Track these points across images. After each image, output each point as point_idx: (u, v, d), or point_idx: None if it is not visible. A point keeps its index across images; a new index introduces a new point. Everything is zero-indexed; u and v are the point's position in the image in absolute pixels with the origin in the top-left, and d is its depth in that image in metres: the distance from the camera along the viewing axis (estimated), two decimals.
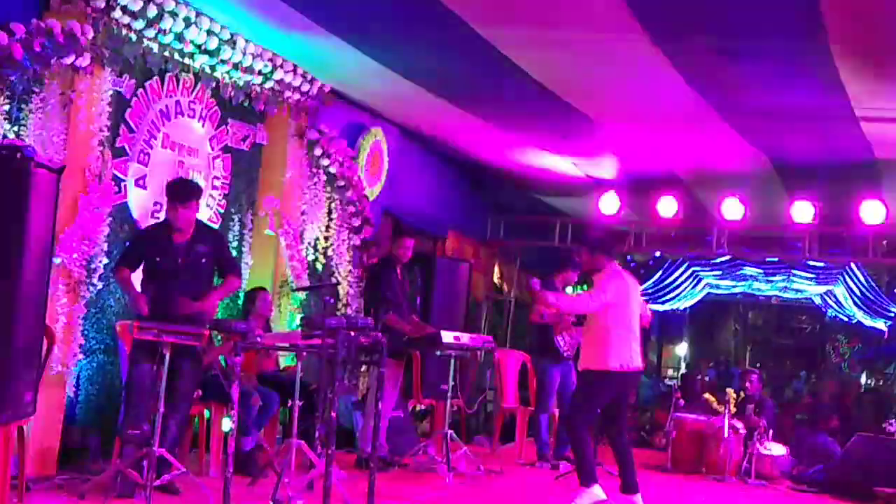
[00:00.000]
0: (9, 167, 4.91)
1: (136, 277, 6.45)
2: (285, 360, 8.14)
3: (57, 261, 6.12)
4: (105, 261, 6.72)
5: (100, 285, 6.71)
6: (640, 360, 7.13)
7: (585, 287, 8.72)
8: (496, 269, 13.74)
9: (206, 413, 7.11)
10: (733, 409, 9.56)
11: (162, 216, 6.92)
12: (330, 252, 9.31)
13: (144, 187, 7.33)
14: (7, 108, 6.03)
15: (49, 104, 6.30)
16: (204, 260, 6.40)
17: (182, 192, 6.37)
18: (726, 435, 9.37)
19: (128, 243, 6.78)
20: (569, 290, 9.86)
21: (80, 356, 6.62)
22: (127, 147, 7.13)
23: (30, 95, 6.18)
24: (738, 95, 8.44)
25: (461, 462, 8.10)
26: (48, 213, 5.22)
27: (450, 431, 8.01)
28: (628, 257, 15.67)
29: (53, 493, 5.87)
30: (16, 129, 6.10)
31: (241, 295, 7.98)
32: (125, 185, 7.12)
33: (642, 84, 8.36)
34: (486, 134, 10.52)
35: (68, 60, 6.27)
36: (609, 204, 11.97)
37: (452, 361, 8.15)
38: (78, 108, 6.46)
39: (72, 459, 6.56)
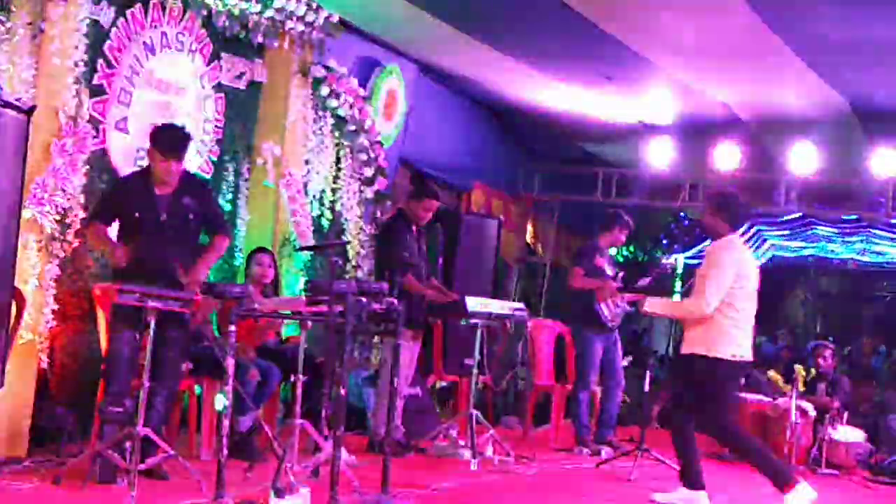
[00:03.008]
0: None
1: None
2: (287, 329, 8.17)
3: (27, 214, 6.13)
4: (81, 214, 6.73)
5: (75, 243, 6.72)
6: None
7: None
8: (529, 228, 13.72)
9: (198, 389, 7.15)
10: (802, 389, 9.53)
11: (144, 164, 6.93)
12: (338, 207, 9.31)
13: (126, 131, 7.33)
14: None
15: (17, 35, 6.28)
16: (191, 215, 6.37)
17: (171, 143, 6.27)
18: (794, 418, 9.34)
19: (103, 194, 6.79)
20: (612, 250, 9.83)
21: (54, 323, 6.66)
22: (106, 85, 7.12)
23: None
24: (812, 25, 8.33)
25: (488, 446, 8.12)
26: (16, 160, 5.23)
27: (475, 412, 8.02)
28: (682, 214, 15.61)
29: (24, 478, 5.91)
30: None
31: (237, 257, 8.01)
32: (104, 129, 7.12)
33: (698, 11, 8.27)
34: (518, 72, 10.47)
35: None
36: (660, 152, 11.91)
37: (479, 332, 8.15)
38: (49, 40, 6.44)
39: (45, 440, 6.62)
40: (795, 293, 21.86)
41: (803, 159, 11.29)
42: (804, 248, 17.05)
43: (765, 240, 16.71)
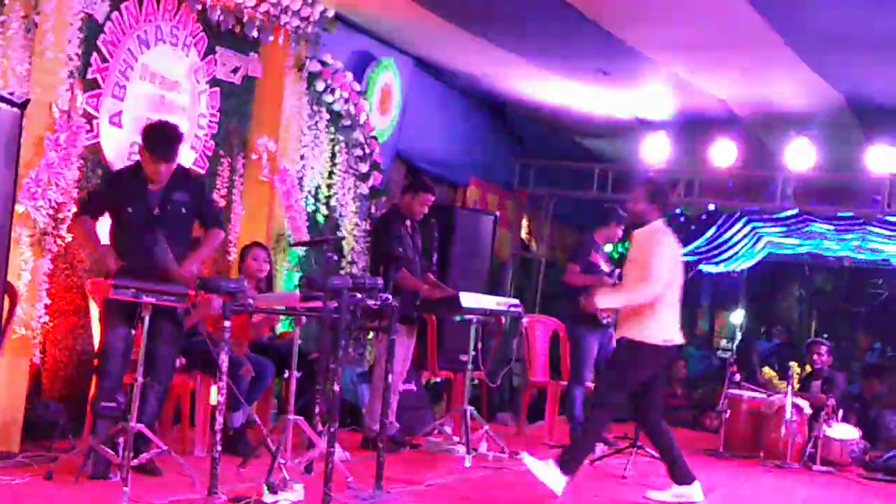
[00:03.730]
0: None
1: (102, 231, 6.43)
2: (282, 325, 8.17)
3: (20, 209, 6.12)
4: (74, 209, 6.72)
5: (69, 237, 6.71)
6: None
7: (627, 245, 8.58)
8: (524, 223, 13.71)
9: (192, 384, 7.15)
10: (797, 386, 9.56)
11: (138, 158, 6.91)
12: (333, 202, 9.31)
13: (120, 125, 7.32)
14: None
15: (10, 29, 6.26)
16: (183, 210, 6.34)
17: (162, 144, 6.21)
18: (788, 415, 9.36)
19: (93, 188, 6.76)
20: (609, 247, 9.83)
21: (47, 318, 6.65)
22: (100, 79, 7.11)
23: None
24: (810, 21, 8.33)
25: (482, 443, 8.13)
26: (10, 154, 5.21)
27: (469, 408, 8.04)
28: (678, 210, 15.59)
29: (16, 473, 5.90)
30: None
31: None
32: (98, 123, 7.11)
33: (696, 6, 8.26)
34: (514, 67, 10.46)
35: None
36: (657, 148, 11.90)
37: (473, 328, 8.17)
38: (43, 34, 6.42)
39: (37, 435, 6.61)
40: (790, 290, 21.85)
41: (800, 156, 11.28)
42: (800, 244, 17.01)
43: (760, 237, 16.68)
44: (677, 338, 7.04)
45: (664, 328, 6.92)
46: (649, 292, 6.86)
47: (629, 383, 6.99)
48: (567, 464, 6.79)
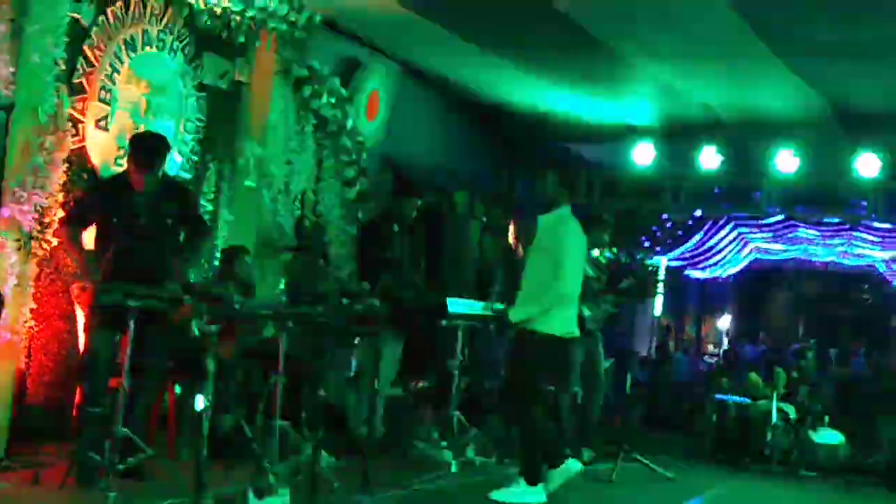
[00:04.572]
0: None
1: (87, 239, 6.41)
2: (267, 329, 8.16)
3: (6, 213, 6.13)
4: (60, 213, 6.70)
5: (54, 242, 6.69)
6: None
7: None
8: (511, 228, 13.72)
9: (177, 389, 7.13)
10: (783, 391, 9.57)
11: (124, 165, 6.90)
12: (320, 207, 9.30)
13: (106, 130, 7.31)
14: None
15: None
16: (170, 220, 6.34)
17: (146, 154, 6.21)
18: (774, 420, 9.38)
19: (78, 196, 6.75)
20: (595, 252, 9.84)
21: (33, 322, 6.63)
22: (86, 83, 7.10)
23: None
24: (795, 29, 8.36)
25: (469, 448, 8.12)
26: None
27: (457, 413, 8.03)
28: (664, 216, 15.64)
29: (2, 477, 5.89)
30: None
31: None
32: (84, 128, 7.10)
33: (681, 13, 8.29)
34: (502, 72, 10.48)
35: None
36: (643, 154, 11.93)
37: (461, 333, 8.16)
38: (30, 38, 6.41)
39: (23, 439, 6.58)
40: (776, 296, 21.94)
41: (785, 162, 11.33)
42: (786, 250, 17.10)
43: (747, 242, 16.76)
44: (575, 331, 6.95)
45: (565, 321, 6.82)
46: (562, 292, 6.76)
47: (534, 375, 6.84)
48: (530, 473, 6.76)
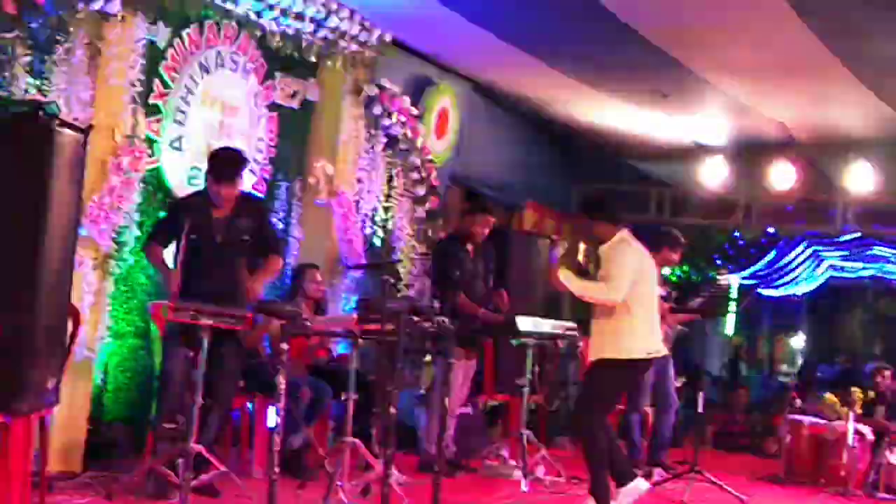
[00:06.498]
0: (30, 127, 4.99)
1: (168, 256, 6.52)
2: (339, 348, 8.22)
3: (83, 232, 6.21)
4: (136, 233, 6.83)
5: (130, 260, 6.82)
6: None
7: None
8: (581, 246, 13.68)
9: (250, 406, 7.21)
10: (859, 411, 9.41)
11: (200, 184, 7.01)
12: (390, 225, 9.36)
13: (181, 150, 7.43)
14: (28, 59, 6.13)
15: (75, 55, 6.39)
16: (245, 237, 6.45)
17: (226, 169, 6.35)
18: (851, 441, 9.23)
19: (160, 216, 6.88)
20: (666, 270, 9.80)
21: (109, 340, 6.75)
22: (161, 104, 7.21)
23: (53, 46, 6.28)
24: (869, 45, 8.28)
25: (539, 467, 8.11)
26: (74, 179, 5.28)
27: (527, 432, 8.02)
28: (736, 234, 15.50)
29: (78, 493, 5.99)
30: (38, 83, 6.20)
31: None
32: (159, 148, 7.21)
33: (756, 31, 8.24)
34: (571, 90, 10.47)
35: (96, 5, 6.36)
36: (714, 171, 11.84)
37: (530, 352, 8.16)
38: (107, 60, 6.55)
39: (99, 455, 6.69)
40: (853, 315, 21.60)
41: (860, 179, 11.17)
42: (862, 268, 16.84)
43: (822, 260, 16.54)
44: (661, 349, 6.96)
45: (644, 340, 6.79)
46: (603, 294, 6.73)
47: (608, 403, 6.93)
48: (598, 492, 6.71)
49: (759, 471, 9.91)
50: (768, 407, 14.19)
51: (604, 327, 6.79)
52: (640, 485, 6.77)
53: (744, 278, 15.89)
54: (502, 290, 8.41)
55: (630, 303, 6.68)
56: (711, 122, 11.25)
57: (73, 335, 5.79)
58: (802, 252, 16.12)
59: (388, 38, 8.90)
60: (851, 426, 9.24)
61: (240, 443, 7.29)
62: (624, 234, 6.92)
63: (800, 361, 20.57)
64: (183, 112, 7.43)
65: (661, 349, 6.99)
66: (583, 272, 13.63)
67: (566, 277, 6.96)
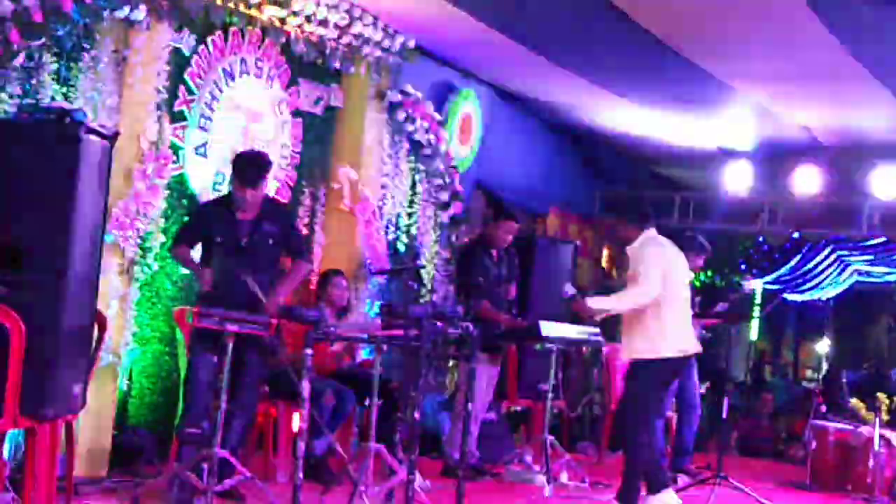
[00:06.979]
0: (57, 133, 5.04)
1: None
2: (363, 353, 8.24)
3: (109, 238, 6.26)
4: (161, 239, 6.87)
5: (155, 266, 6.87)
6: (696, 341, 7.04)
7: None
8: (605, 252, 13.67)
9: (274, 411, 7.24)
10: (886, 417, 9.36)
11: (225, 189, 7.04)
12: (414, 230, 9.38)
13: (205, 156, 7.47)
14: (55, 66, 6.18)
15: (101, 63, 6.45)
16: (271, 240, 6.46)
17: (250, 172, 6.36)
18: (877, 447, 9.18)
19: (185, 219, 6.92)
20: (690, 276, 9.76)
21: (134, 345, 6.80)
22: (186, 111, 7.27)
23: (79, 53, 6.34)
24: (893, 50, 8.24)
25: (563, 472, 8.11)
26: (100, 185, 5.33)
27: (550, 437, 8.02)
28: (760, 238, 15.44)
29: (104, 497, 6.04)
30: (64, 90, 6.26)
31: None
32: (184, 154, 7.26)
33: (779, 37, 8.22)
34: (594, 95, 10.46)
35: (122, 13, 6.41)
36: (738, 176, 11.80)
37: (554, 357, 8.16)
38: (133, 68, 6.60)
39: (124, 460, 6.74)
40: (880, 319, 21.46)
41: (886, 183, 11.12)
42: (889, 272, 16.73)
43: (847, 265, 16.44)
44: (692, 346, 6.95)
45: (675, 338, 6.81)
46: (634, 298, 6.78)
47: (651, 403, 6.90)
48: (626, 497, 6.73)
49: (784, 477, 9.88)
50: (793, 412, 14.14)
51: (635, 327, 6.82)
52: (670, 500, 6.76)
53: (768, 283, 15.82)
54: (509, 285, 8.39)
55: (660, 300, 6.70)
56: (736, 127, 11.22)
57: (99, 341, 5.83)
58: (827, 257, 16.02)
59: (411, 44, 8.92)
60: (877, 432, 9.19)
61: (264, 448, 7.31)
62: (651, 232, 6.93)
63: (825, 367, 20.44)
64: (208, 119, 7.48)
65: (694, 347, 6.98)
66: (606, 276, 13.66)
67: (595, 301, 7.05)
